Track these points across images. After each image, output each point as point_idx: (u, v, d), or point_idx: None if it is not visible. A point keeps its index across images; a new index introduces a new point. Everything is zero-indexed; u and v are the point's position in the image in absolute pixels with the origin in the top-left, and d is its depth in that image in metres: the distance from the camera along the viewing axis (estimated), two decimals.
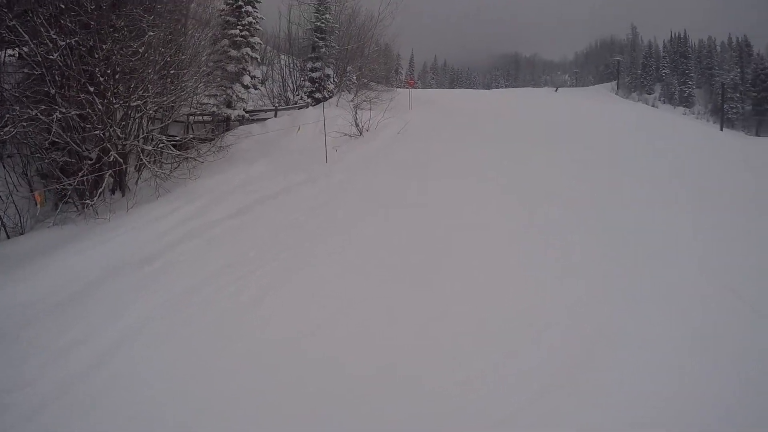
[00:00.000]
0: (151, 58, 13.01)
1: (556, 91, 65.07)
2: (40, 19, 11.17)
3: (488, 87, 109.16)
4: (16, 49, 12.49)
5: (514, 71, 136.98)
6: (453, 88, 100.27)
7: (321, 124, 15.53)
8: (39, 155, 12.18)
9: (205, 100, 18.76)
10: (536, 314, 6.33)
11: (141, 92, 12.59)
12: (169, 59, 13.60)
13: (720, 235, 9.31)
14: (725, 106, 74.95)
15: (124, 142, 12.40)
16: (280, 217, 10.22)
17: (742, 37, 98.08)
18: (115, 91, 12.03)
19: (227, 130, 18.89)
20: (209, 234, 9.33)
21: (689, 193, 11.95)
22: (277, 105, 22.91)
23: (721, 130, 48.42)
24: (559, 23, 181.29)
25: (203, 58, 17.08)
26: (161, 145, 13.57)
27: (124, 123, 12.64)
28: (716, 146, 21.30)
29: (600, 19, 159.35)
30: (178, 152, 14.27)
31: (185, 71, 14.85)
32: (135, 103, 12.50)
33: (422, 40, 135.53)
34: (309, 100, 22.92)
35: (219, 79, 19.25)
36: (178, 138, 15.44)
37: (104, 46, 11.72)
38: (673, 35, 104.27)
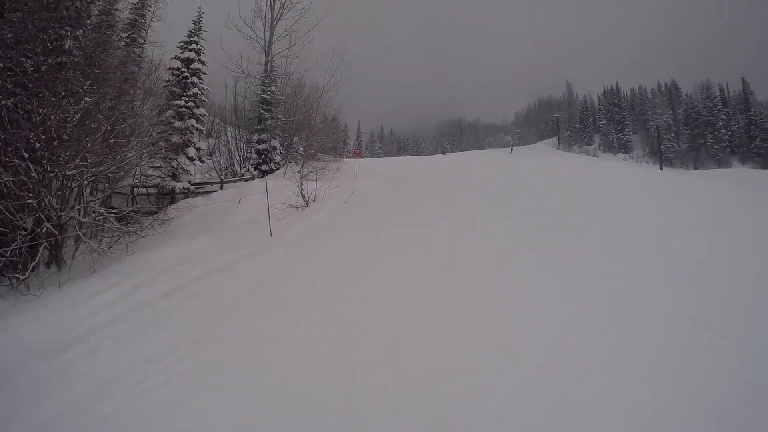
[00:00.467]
0: (91, 125, 12.72)
1: (511, 152, 66.34)
2: None
3: (434, 153, 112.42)
4: None
5: (459, 136, 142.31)
6: (401, 155, 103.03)
7: (267, 196, 15.21)
8: None
9: (150, 172, 18.55)
10: None
11: (78, 161, 12.25)
12: (109, 128, 13.29)
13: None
14: (662, 147, 79.06)
15: (59, 213, 11.95)
16: (220, 297, 9.48)
17: (670, 81, 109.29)
18: (51, 158, 11.67)
19: (172, 202, 18.54)
20: (142, 315, 8.75)
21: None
22: (223, 177, 22.72)
23: (661, 169, 52.54)
24: (498, 87, 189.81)
25: (148, 129, 16.82)
26: (100, 217, 13.16)
27: (60, 193, 12.21)
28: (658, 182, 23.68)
29: (537, 80, 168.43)
30: (118, 225, 13.78)
31: (127, 141, 14.52)
32: (71, 173, 12.12)
33: (369, 111, 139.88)
34: (255, 172, 22.75)
35: (163, 150, 19.05)
36: (116, 210, 14.93)
37: (41, 111, 11.49)
38: (605, 88, 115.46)
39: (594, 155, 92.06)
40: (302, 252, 12.42)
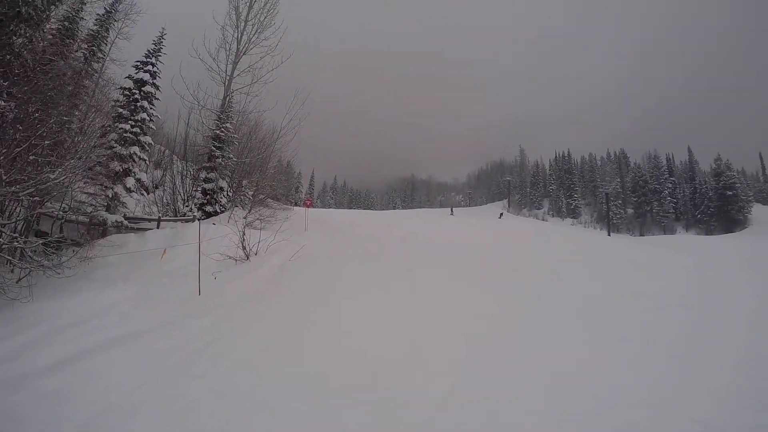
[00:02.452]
0: (4, 136, 11.14)
1: (451, 213, 65.02)
2: None
3: (385, 208, 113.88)
4: None
5: (411, 192, 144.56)
6: (351, 208, 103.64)
7: (199, 246, 13.62)
8: None
9: (83, 198, 16.80)
10: None
11: None
12: (32, 142, 11.66)
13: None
14: (610, 213, 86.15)
15: None
16: (112, 386, 7.10)
17: (619, 150, 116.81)
18: None
19: (102, 236, 16.79)
20: (12, 401, 6.47)
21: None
22: (161, 215, 21.10)
23: (609, 235, 55.33)
24: (452, 147, 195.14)
25: (86, 150, 15.24)
26: (5, 246, 11.42)
27: None
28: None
29: (491, 143, 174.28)
30: (32, 256, 12.04)
31: (56, 160, 12.89)
32: None
33: (324, 160, 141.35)
34: (198, 213, 21.30)
35: (101, 176, 17.47)
36: (44, 236, 13.26)
37: None
38: (557, 154, 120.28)
39: (543, 219, 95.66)
40: (231, 324, 10.26)
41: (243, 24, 25.64)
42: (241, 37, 25.54)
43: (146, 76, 19.84)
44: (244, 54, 25.52)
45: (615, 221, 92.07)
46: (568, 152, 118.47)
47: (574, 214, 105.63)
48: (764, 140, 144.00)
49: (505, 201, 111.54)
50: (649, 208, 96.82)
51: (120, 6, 28.55)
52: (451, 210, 70.81)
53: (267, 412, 6.59)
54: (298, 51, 26.91)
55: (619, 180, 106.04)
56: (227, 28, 25.48)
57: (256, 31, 25.81)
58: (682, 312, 11.61)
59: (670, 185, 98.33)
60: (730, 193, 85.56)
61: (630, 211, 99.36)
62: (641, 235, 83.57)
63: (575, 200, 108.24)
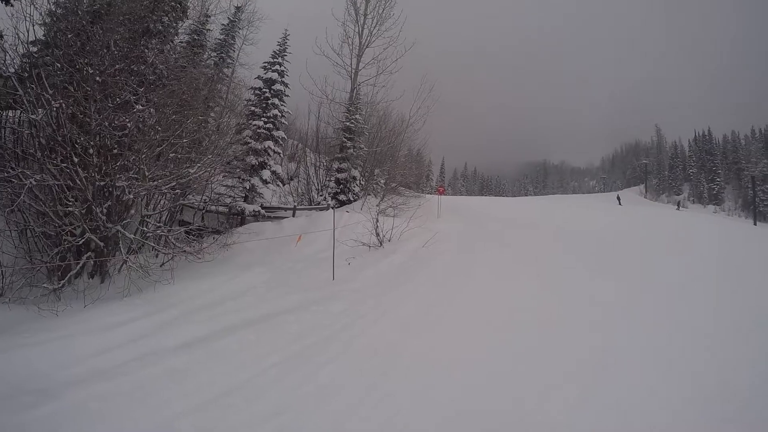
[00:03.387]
0: (146, 137, 11.62)
1: (619, 202, 55.18)
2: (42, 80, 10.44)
3: (517, 194, 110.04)
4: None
5: (543, 178, 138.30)
6: (482, 195, 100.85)
7: (334, 233, 13.44)
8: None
9: (222, 191, 17.59)
10: None
11: (132, 173, 11.15)
12: (171, 141, 12.19)
13: None
14: (756, 199, 69.92)
15: (106, 225, 10.73)
16: (243, 365, 7.07)
17: (765, 127, 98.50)
18: (100, 167, 10.66)
19: (242, 224, 17.49)
20: (143, 374, 6.54)
21: None
22: (296, 204, 21.50)
23: (755, 224, 46.31)
24: (584, 130, 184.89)
25: (223, 147, 15.73)
26: (149, 234, 11.95)
27: (110, 204, 11.02)
28: None
29: (624, 123, 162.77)
30: (176, 244, 12.59)
31: (193, 157, 13.36)
32: (121, 184, 10.94)
33: (453, 147, 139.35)
34: (332, 201, 21.50)
35: (238, 170, 18.10)
36: (186, 225, 13.85)
37: (98, 116, 10.62)
38: (697, 133, 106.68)
39: (683, 206, 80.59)
40: (366, 309, 10.02)
41: (362, 18, 25.72)
42: (362, 30, 25.66)
43: (274, 75, 20.34)
44: (366, 47, 25.64)
45: (762, 208, 76.38)
46: (709, 131, 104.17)
47: (716, 200, 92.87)
48: None
49: (642, 186, 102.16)
50: None
51: (243, 15, 29.57)
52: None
53: (396, 398, 6.25)
54: (422, 37, 26.45)
55: (766, 161, 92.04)
56: (348, 24, 25.76)
57: (376, 23, 25.81)
58: None
59: None
60: None
61: None
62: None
63: (717, 185, 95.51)
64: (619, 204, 52.32)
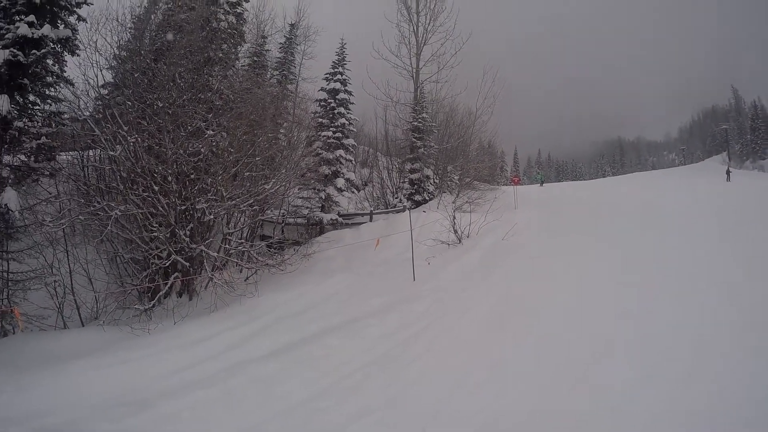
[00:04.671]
0: (219, 159, 12.21)
1: (728, 177, 42.01)
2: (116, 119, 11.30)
3: (594, 177, 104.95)
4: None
5: (620, 157, 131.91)
6: (560, 181, 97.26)
7: (411, 233, 13.34)
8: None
9: (298, 203, 17.96)
10: None
11: (210, 195, 11.73)
12: (244, 161, 12.68)
13: None
14: None
15: (190, 246, 11.33)
16: (329, 370, 7.11)
17: None
18: (180, 192, 11.28)
19: (320, 233, 17.83)
20: (232, 382, 6.73)
21: None
22: (372, 208, 21.66)
23: None
24: (658, 100, 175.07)
25: (295, 160, 16.05)
26: (232, 251, 12.41)
27: (192, 226, 11.60)
28: None
29: (699, 87, 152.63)
30: (258, 258, 13.00)
31: (268, 174, 13.76)
32: (201, 206, 11.52)
33: (524, 135, 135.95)
34: (408, 202, 21.47)
35: (312, 181, 18.38)
36: (267, 239, 14.28)
37: (172, 146, 11.19)
38: None
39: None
40: (448, 308, 9.84)
41: (416, 16, 25.24)
42: (416, 29, 25.15)
43: (337, 85, 20.59)
44: (424, 45, 25.06)
45: None
46: None
47: None
48: None
49: (724, 154, 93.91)
50: None
51: (298, 31, 29.88)
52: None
53: (481, 395, 6.09)
54: (478, 26, 25.92)
55: None
56: (402, 24, 25.29)
57: (430, 19, 25.17)
58: None
59: None
60: None
61: None
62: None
63: None
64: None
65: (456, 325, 8.88)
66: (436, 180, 23.09)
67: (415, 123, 22.64)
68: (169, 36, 14.65)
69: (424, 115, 23.01)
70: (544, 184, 42.80)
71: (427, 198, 22.11)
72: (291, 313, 9.88)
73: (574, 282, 10.75)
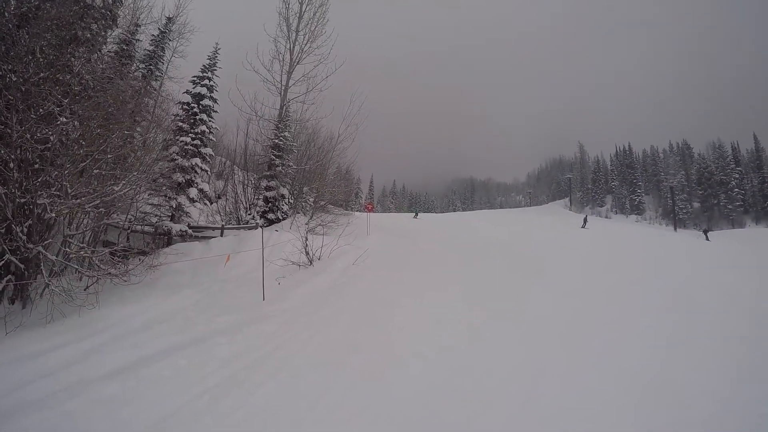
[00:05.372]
0: (69, 151, 11.28)
1: (584, 225, 47.25)
2: None
3: (445, 210, 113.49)
4: None
5: (470, 194, 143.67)
6: (411, 211, 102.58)
7: (266, 250, 13.37)
8: None
9: (148, 210, 17.15)
10: None
11: (54, 190, 10.81)
12: (95, 157, 11.87)
13: None
14: (676, 208, 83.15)
15: (26, 245, 10.37)
16: (174, 393, 6.82)
17: (682, 141, 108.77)
18: (21, 183, 10.29)
19: (168, 245, 16.99)
20: (72, 404, 6.28)
21: None
22: (224, 223, 21.22)
23: (675, 230, 52.71)
24: (510, 148, 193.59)
25: (149, 164, 15.36)
26: (72, 255, 11.52)
27: (30, 223, 10.62)
28: None
29: (549, 141, 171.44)
30: (99, 265, 11.97)
31: (118, 174, 13.02)
32: (42, 201, 10.54)
33: (382, 165, 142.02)
34: (261, 220, 21.33)
35: (164, 188, 17.63)
36: (110, 245, 13.43)
37: (20, 128, 10.26)
38: (618, 148, 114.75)
39: (606, 216, 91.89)
40: (297, 329, 10.00)
41: (294, 34, 25.39)
42: (293, 47, 25.28)
43: (203, 90, 20.03)
44: (297, 64, 25.26)
45: (681, 216, 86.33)
46: (629, 146, 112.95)
47: (637, 210, 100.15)
48: None
49: (567, 199, 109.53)
50: (716, 201, 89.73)
51: (173, 26, 29.01)
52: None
53: (332, 422, 6.29)
54: (351, 57, 26.61)
55: (683, 172, 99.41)
56: (279, 40, 25.32)
57: (308, 40, 25.52)
58: None
59: (737, 176, 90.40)
60: None
61: (696, 205, 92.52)
62: (709, 230, 78.25)
63: (638, 196, 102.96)
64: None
65: (306, 346, 9.02)
66: (291, 200, 23.13)
67: (277, 140, 22.64)
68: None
69: (286, 133, 23.09)
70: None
71: (280, 217, 22.05)
72: (135, 329, 9.32)
73: (420, 302, 12.01)
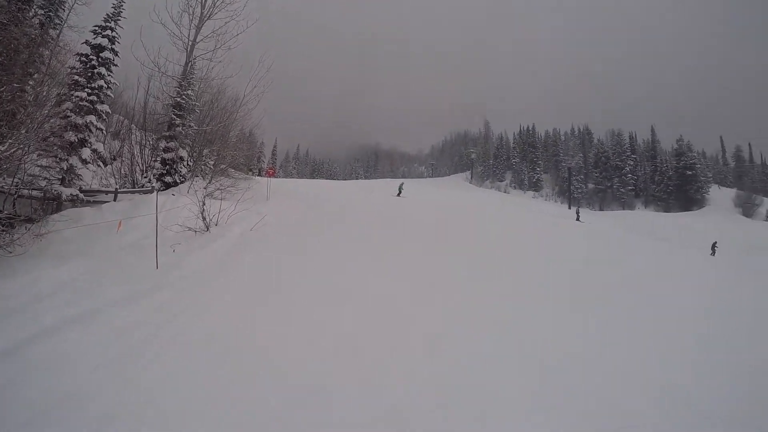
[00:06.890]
0: None
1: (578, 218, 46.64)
2: None
3: (348, 178, 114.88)
4: None
5: (374, 163, 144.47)
6: (314, 177, 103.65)
7: (156, 217, 13.18)
8: None
9: (36, 172, 16.07)
10: None
11: None
12: None
13: None
14: (572, 187, 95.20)
15: None
16: (67, 372, 6.55)
17: (584, 126, 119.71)
18: None
19: (57, 210, 16.11)
20: None
21: None
22: (118, 186, 20.56)
23: (569, 208, 59.37)
24: (417, 118, 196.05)
25: (39, 120, 14.62)
26: None
27: None
28: None
29: (455, 116, 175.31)
30: None
31: (2, 131, 12.39)
32: None
33: (286, 130, 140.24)
34: (158, 183, 20.80)
35: (55, 148, 16.76)
36: None
37: None
38: (522, 128, 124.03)
39: (505, 191, 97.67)
40: (191, 299, 9.99)
41: None
42: (205, 1, 24.50)
43: (104, 42, 18.99)
44: (208, 19, 24.27)
45: (576, 195, 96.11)
46: (533, 126, 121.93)
47: (536, 187, 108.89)
48: (725, 125, 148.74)
49: (468, 173, 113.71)
50: (610, 184, 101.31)
51: None
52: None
53: (228, 397, 6.29)
54: (264, 16, 26.04)
55: (581, 155, 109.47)
56: None
57: None
58: None
59: (632, 162, 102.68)
60: (690, 173, 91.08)
61: (591, 186, 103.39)
62: (600, 209, 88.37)
63: (537, 173, 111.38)
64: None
65: (200, 318, 9.03)
66: (190, 162, 22.73)
67: (179, 99, 22.06)
68: None
69: (189, 92, 22.58)
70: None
71: (178, 180, 21.71)
72: (22, 303, 9.01)
73: (319, 266, 12.81)
